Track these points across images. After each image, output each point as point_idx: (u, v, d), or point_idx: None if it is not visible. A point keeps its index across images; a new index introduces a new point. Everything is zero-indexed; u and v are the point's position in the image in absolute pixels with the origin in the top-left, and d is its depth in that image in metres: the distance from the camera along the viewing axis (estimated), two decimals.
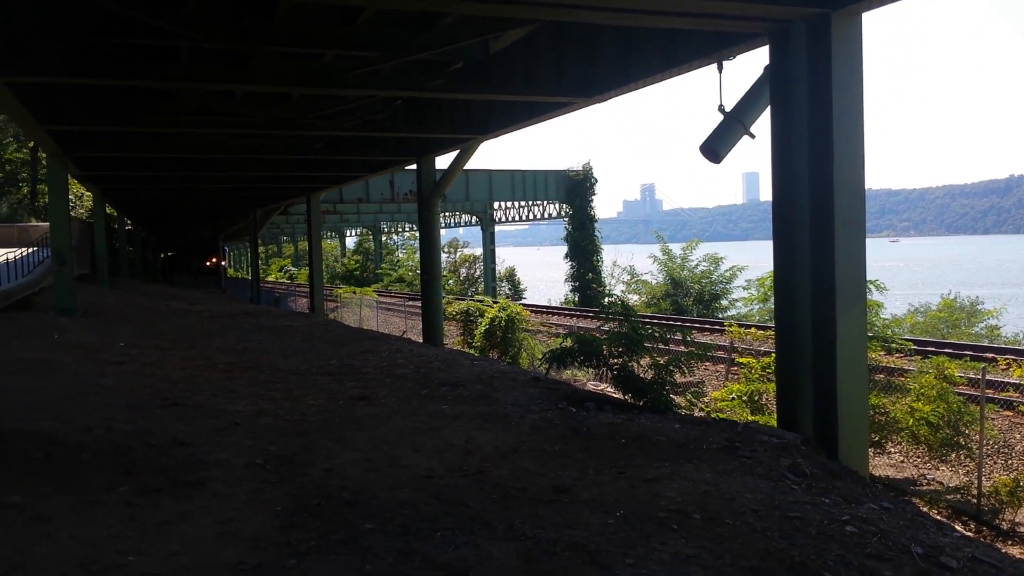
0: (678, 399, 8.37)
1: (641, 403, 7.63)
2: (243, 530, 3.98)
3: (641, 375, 8.12)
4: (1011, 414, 12.16)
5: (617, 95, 10.25)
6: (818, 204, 6.49)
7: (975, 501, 9.71)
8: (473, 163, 26.79)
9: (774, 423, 7.37)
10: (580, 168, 41.30)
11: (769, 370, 10.95)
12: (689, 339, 9.25)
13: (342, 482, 4.75)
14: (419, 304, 19.38)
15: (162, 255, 67.97)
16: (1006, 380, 12.66)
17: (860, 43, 6.50)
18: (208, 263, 64.92)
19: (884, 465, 11.36)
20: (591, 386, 13.85)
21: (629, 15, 6.93)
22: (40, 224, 30.54)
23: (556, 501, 4.40)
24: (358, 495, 4.49)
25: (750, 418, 10.22)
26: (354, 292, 36.73)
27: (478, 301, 20.91)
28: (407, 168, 22.83)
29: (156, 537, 3.89)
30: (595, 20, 7.64)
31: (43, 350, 9.97)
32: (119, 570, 3.51)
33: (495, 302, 22.08)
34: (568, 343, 8.32)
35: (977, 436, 10.29)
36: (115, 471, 4.93)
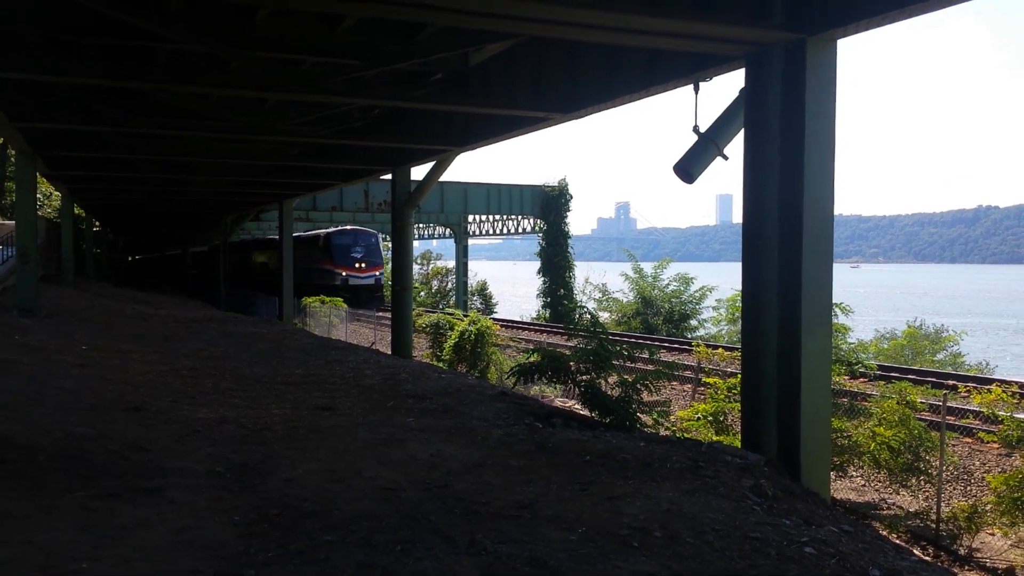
0: (644, 417, 8.39)
1: (607, 420, 7.64)
2: (201, 538, 3.93)
3: (609, 392, 8.13)
4: (971, 441, 12.34)
5: (595, 112, 10.32)
6: (787, 227, 6.57)
7: (934, 526, 9.82)
8: (449, 175, 26.81)
9: (739, 443, 7.41)
10: (556, 184, 41.47)
11: (735, 391, 11.01)
12: (657, 358, 9.29)
13: (303, 492, 4.70)
14: (389, 315, 19.29)
15: (129, 258, 65.96)
16: (966, 407, 12.84)
17: (834, 69, 6.61)
18: (344, 270, 37.19)
19: (846, 488, 11.46)
20: (559, 402, 13.87)
21: (612, 33, 6.99)
22: (5, 222, 30.07)
23: (519, 516, 4.38)
24: (319, 506, 4.45)
25: (715, 438, 10.26)
26: (323, 301, 36.50)
27: (449, 314, 20.87)
28: (382, 178, 22.80)
29: (112, 543, 3.82)
30: (578, 37, 7.69)
31: (3, 350, 9.79)
32: None
33: (466, 315, 22.04)
34: (536, 358, 8.32)
35: (937, 462, 10.41)
36: (72, 475, 4.85)
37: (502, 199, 40.11)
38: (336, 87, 10.69)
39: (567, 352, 8.61)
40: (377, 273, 39.36)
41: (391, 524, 4.18)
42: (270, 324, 20.12)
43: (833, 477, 10.04)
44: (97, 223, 46.11)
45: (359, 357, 11.38)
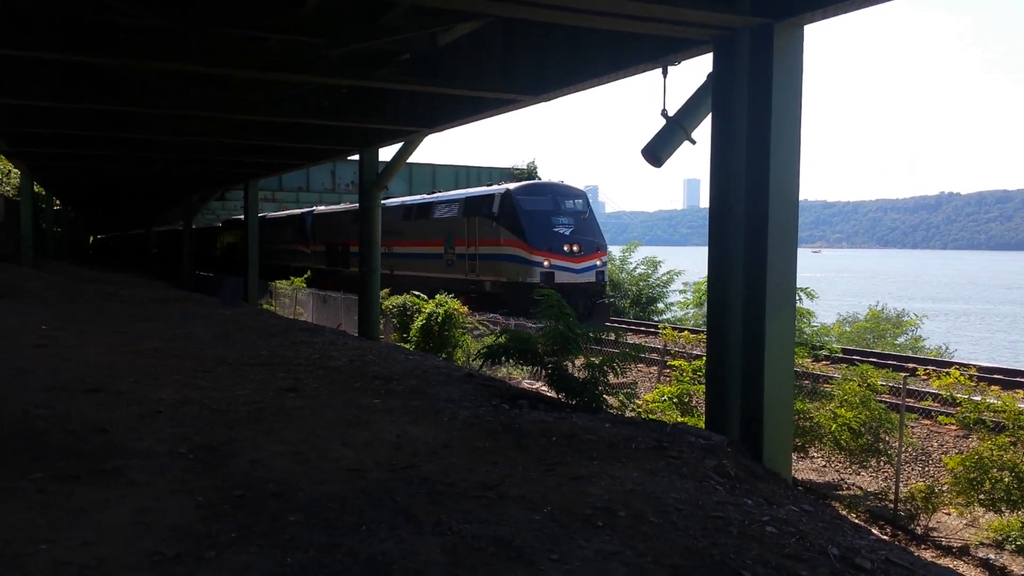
0: (611, 399, 8.44)
1: (574, 402, 7.67)
2: (162, 520, 3.89)
3: (575, 374, 8.16)
4: (929, 423, 12.57)
5: (564, 94, 10.31)
6: (753, 211, 6.63)
7: (892, 506, 10.01)
8: (417, 156, 26.36)
9: (703, 425, 7.49)
10: (525, 166, 41.45)
11: (700, 373, 11.12)
12: (623, 340, 9.33)
13: (267, 474, 4.67)
14: (356, 297, 19.18)
15: (91, 237, 64.74)
16: (926, 390, 13.08)
17: (801, 54, 6.65)
18: (545, 257, 21.85)
19: (807, 469, 11.64)
20: (526, 384, 13.90)
21: (577, 15, 6.96)
22: None
23: (484, 497, 4.39)
24: (283, 487, 4.42)
25: (680, 419, 10.36)
26: (290, 282, 36.16)
27: (416, 296, 20.77)
28: (349, 158, 22.61)
29: (70, 525, 3.77)
30: (544, 18, 7.66)
31: None
32: (29, 559, 3.39)
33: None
34: (503, 340, 8.31)
35: (896, 443, 10.61)
36: (29, 457, 4.77)
37: (471, 181, 39.97)
38: (301, 66, 10.56)
39: (534, 334, 8.61)
40: (598, 262, 22.99)
41: (356, 505, 4.17)
42: (235, 305, 19.92)
43: (795, 458, 10.19)
44: (58, 202, 45.25)
45: (325, 339, 11.31)
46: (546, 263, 21.87)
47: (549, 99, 10.68)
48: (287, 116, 14.25)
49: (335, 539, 3.70)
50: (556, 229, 22.49)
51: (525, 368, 9.74)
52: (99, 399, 6.45)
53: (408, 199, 29.20)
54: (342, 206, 34.27)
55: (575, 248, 22.31)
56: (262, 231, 37.99)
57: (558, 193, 23.84)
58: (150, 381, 7.33)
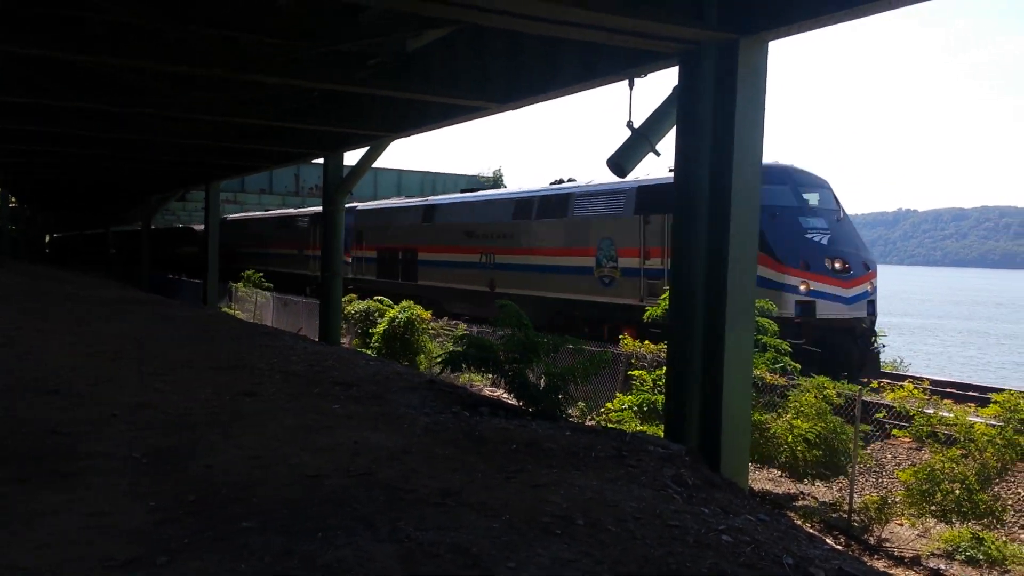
0: (571, 408, 8.47)
1: (534, 410, 7.70)
2: (116, 524, 3.84)
3: (537, 382, 8.18)
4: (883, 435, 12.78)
5: (533, 103, 10.37)
6: (715, 224, 6.72)
7: (846, 516, 10.16)
8: (383, 161, 25.65)
9: (662, 434, 7.55)
10: (491, 174, 41.51)
11: (660, 382, 11.18)
12: (584, 349, 9.38)
13: (224, 478, 4.63)
14: (318, 302, 19.04)
15: (48, 236, 63.41)
16: (880, 402, 13.29)
17: (765, 69, 6.78)
18: (801, 276, 13.87)
19: (763, 479, 11.77)
20: (487, 391, 13.91)
21: (548, 24, 7.02)
22: None
23: (442, 504, 4.39)
24: (240, 492, 4.39)
25: (639, 428, 10.42)
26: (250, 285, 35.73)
27: (378, 301, 20.68)
28: (314, 161, 22.45)
29: (22, 529, 3.72)
30: (514, 27, 7.71)
31: None
32: None
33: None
34: (463, 347, 8.31)
35: (851, 454, 10.76)
36: None
37: (437, 186, 39.97)
38: (274, 67, 10.49)
39: (495, 341, 8.63)
40: (869, 286, 15.47)
41: (313, 511, 4.15)
42: (195, 308, 19.68)
43: (752, 468, 10.30)
44: (13, 199, 44.32)
45: (285, 343, 11.22)
46: (803, 287, 14.35)
47: (518, 107, 10.73)
48: (255, 118, 14.13)
49: (291, 546, 3.68)
50: (809, 236, 14.95)
51: (486, 375, 9.75)
52: (56, 401, 6.35)
53: (522, 190, 21.66)
54: (402, 200, 27.08)
55: (839, 264, 14.79)
56: (267, 232, 33.99)
57: (799, 182, 15.78)
58: (108, 383, 7.23)
